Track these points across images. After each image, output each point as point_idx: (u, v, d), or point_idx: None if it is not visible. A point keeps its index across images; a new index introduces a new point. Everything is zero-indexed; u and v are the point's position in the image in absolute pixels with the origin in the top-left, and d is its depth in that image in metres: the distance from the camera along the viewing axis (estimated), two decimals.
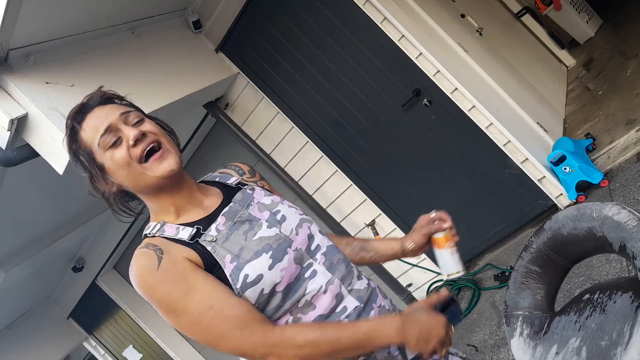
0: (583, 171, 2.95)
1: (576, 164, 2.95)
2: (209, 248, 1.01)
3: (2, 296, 4.42)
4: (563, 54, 5.24)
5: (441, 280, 3.61)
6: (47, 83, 2.42)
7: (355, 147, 3.60)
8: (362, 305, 1.07)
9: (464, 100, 3.15)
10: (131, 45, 3.08)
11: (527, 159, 3.10)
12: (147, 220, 1.12)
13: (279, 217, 1.09)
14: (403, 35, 3.16)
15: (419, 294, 3.70)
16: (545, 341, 1.32)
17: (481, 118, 3.14)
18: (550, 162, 3.07)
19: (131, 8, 3.03)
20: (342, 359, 1.01)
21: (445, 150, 3.35)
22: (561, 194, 3.09)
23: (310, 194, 3.79)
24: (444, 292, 1.12)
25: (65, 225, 4.11)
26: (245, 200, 1.11)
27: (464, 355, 1.23)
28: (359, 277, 1.12)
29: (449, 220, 1.25)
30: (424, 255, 3.65)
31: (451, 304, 1.09)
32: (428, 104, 3.26)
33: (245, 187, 1.16)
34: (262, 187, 1.21)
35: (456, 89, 3.14)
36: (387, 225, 3.68)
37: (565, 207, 3.08)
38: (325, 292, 1.04)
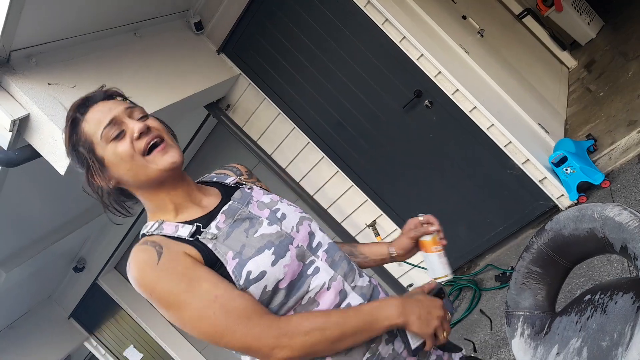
0: (584, 172, 2.95)
1: (577, 165, 2.95)
2: (209, 245, 0.99)
3: (4, 296, 4.42)
4: (564, 56, 5.24)
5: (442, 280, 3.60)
6: (49, 84, 2.43)
7: (356, 147, 3.60)
8: (366, 302, 1.06)
9: (465, 102, 3.15)
10: (133, 47, 3.08)
11: (528, 160, 3.10)
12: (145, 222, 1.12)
13: (279, 214, 1.09)
14: (404, 37, 3.16)
15: None
16: (546, 341, 1.32)
17: (482, 119, 3.14)
18: (552, 163, 3.07)
19: (133, 9, 3.04)
20: (348, 348, 0.99)
21: (447, 151, 3.36)
22: (562, 195, 3.09)
23: (312, 194, 3.79)
24: (433, 283, 1.14)
25: (67, 225, 4.11)
26: (245, 198, 1.11)
27: (472, 354, 1.23)
28: (360, 275, 1.12)
29: (436, 224, 1.25)
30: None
31: (441, 294, 1.10)
32: (429, 105, 3.26)
33: (244, 186, 1.16)
34: (260, 187, 1.21)
35: (457, 90, 3.14)
36: (388, 226, 3.68)
37: (566, 208, 3.08)
38: (328, 288, 1.03)
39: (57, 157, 2.36)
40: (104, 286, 6.04)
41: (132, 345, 6.57)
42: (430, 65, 3.17)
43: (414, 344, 1.02)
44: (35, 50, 2.46)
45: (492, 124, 3.12)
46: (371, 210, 3.69)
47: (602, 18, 5.54)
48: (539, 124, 3.52)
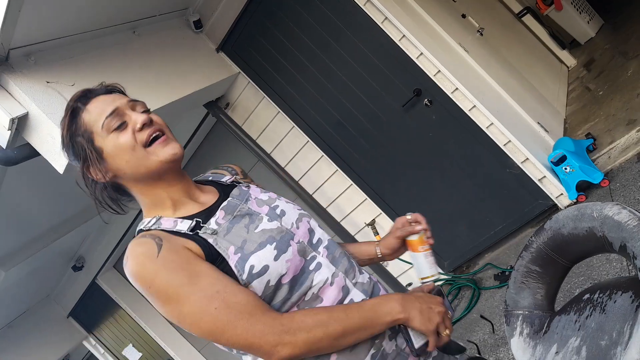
0: (583, 171, 2.95)
1: (577, 164, 2.95)
2: (210, 240, 0.97)
3: (2, 295, 4.42)
4: (564, 54, 5.24)
5: (442, 279, 3.61)
6: (47, 82, 2.43)
7: (355, 146, 3.60)
8: (368, 298, 1.06)
9: (464, 100, 3.15)
10: (132, 45, 3.08)
11: (527, 158, 3.10)
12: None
13: (278, 211, 1.08)
14: (404, 35, 3.16)
15: None
16: (545, 340, 1.32)
17: (482, 118, 3.14)
18: (551, 162, 3.07)
19: (132, 8, 3.04)
20: (352, 345, 0.98)
21: (446, 150, 3.36)
22: (561, 194, 3.09)
23: (311, 193, 3.79)
24: (431, 284, 1.13)
25: (65, 224, 4.11)
26: (243, 195, 1.10)
27: (476, 355, 1.23)
28: (360, 272, 1.12)
29: (423, 222, 1.23)
30: None
31: (440, 295, 1.09)
32: (429, 104, 3.26)
33: (241, 184, 1.16)
34: (257, 186, 1.21)
35: (457, 89, 3.14)
36: (387, 225, 3.68)
37: (565, 207, 3.08)
38: (331, 284, 1.02)
39: (56, 156, 2.36)
40: (103, 285, 6.04)
41: (131, 345, 6.57)
42: (429, 64, 3.17)
43: (417, 343, 1.01)
44: (34, 49, 2.46)
45: (492, 123, 3.12)
46: (370, 209, 3.69)
47: (602, 17, 5.54)
48: (538, 122, 3.52)
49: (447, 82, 3.16)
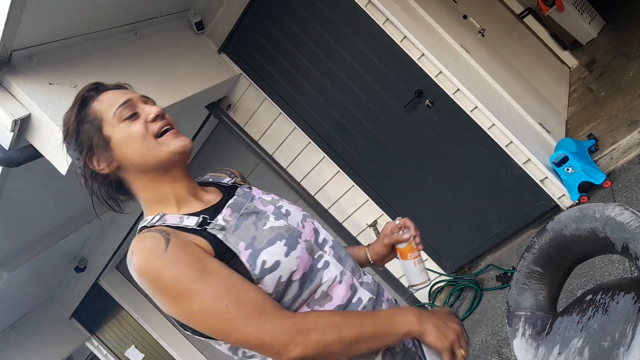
0: (585, 172, 2.95)
1: (578, 165, 2.95)
2: (219, 236, 0.95)
3: (5, 296, 4.43)
4: (565, 55, 5.24)
5: (444, 280, 3.60)
6: (50, 84, 2.43)
7: (357, 147, 3.60)
8: (375, 297, 1.05)
9: (466, 101, 3.15)
10: (134, 47, 3.08)
11: (529, 159, 3.10)
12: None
13: (283, 210, 1.08)
14: (405, 36, 3.16)
15: (422, 294, 3.70)
16: (547, 342, 1.32)
17: (483, 119, 3.14)
18: (553, 162, 3.07)
19: (134, 9, 3.04)
20: (362, 353, 0.96)
21: (447, 150, 3.35)
22: (563, 195, 3.09)
23: (312, 194, 3.79)
24: (447, 307, 1.11)
25: (68, 225, 4.12)
26: (248, 195, 1.09)
27: None
28: (364, 272, 1.12)
29: (412, 228, 1.21)
30: (425, 256, 3.65)
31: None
32: (430, 105, 3.26)
33: (242, 185, 1.15)
34: (258, 189, 1.21)
35: (458, 89, 3.14)
36: None
37: (567, 208, 3.08)
38: (340, 282, 1.01)
39: (59, 157, 2.36)
40: (106, 286, 6.05)
41: (133, 346, 6.58)
42: (431, 65, 3.17)
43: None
44: (37, 50, 2.46)
45: (493, 124, 3.12)
46: (372, 210, 3.69)
47: (604, 18, 5.54)
48: (540, 123, 3.52)
49: (448, 83, 3.16)
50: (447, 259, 3.61)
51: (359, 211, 3.74)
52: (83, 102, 1.04)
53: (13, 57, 2.35)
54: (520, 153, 3.11)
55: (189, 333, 0.98)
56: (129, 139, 1.00)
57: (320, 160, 3.73)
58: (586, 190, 3.03)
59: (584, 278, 2.46)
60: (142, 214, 1.07)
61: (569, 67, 5.22)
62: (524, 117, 3.49)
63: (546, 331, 1.35)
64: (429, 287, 3.64)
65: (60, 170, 2.39)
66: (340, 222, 3.77)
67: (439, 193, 3.48)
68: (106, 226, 5.16)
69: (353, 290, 1.03)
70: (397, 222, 1.23)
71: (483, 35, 4.25)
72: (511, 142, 3.11)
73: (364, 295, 1.04)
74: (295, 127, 3.71)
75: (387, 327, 0.95)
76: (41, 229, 3.86)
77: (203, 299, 0.88)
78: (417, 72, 3.22)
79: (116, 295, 6.08)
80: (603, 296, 1.24)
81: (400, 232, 1.21)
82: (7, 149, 2.38)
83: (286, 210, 1.09)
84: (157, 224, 0.98)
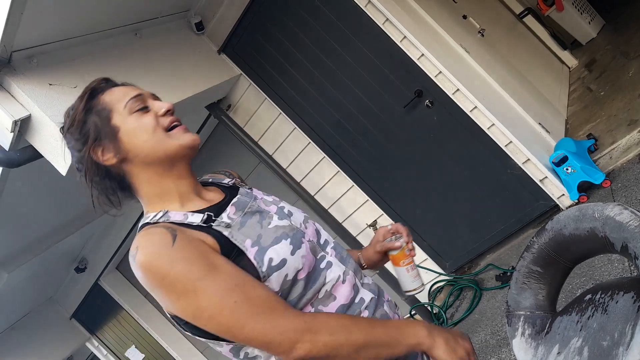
0: (585, 172, 2.95)
1: (578, 165, 2.95)
2: (225, 233, 0.94)
3: (5, 297, 4.43)
4: (565, 55, 5.24)
5: (443, 280, 3.61)
6: (50, 85, 2.43)
7: (356, 147, 3.60)
8: (376, 297, 1.05)
9: (465, 101, 3.15)
10: (134, 47, 3.09)
11: (528, 159, 3.10)
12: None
13: (286, 211, 1.08)
14: (405, 36, 3.17)
15: (421, 294, 3.70)
16: (546, 341, 1.32)
17: (483, 119, 3.14)
18: (552, 162, 3.07)
19: (134, 10, 3.05)
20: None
21: (447, 150, 3.36)
22: (563, 195, 3.09)
23: (312, 194, 3.80)
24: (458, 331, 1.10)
25: (68, 226, 4.12)
26: (250, 195, 1.09)
27: None
28: (364, 274, 1.12)
29: (405, 234, 1.20)
30: (425, 256, 3.65)
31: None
32: (430, 105, 3.26)
33: (243, 186, 1.15)
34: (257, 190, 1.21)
35: (458, 89, 3.14)
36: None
37: (567, 208, 3.08)
38: (344, 282, 1.01)
39: (59, 158, 2.36)
40: (106, 287, 6.05)
41: (133, 346, 6.58)
42: (430, 65, 3.17)
43: None
44: (37, 51, 2.47)
45: (493, 124, 3.13)
46: (372, 210, 3.69)
47: (603, 17, 5.54)
48: (539, 123, 3.52)
49: (448, 83, 3.16)
50: (446, 259, 3.62)
51: (359, 211, 3.75)
52: (92, 93, 1.04)
53: (13, 58, 2.35)
54: (519, 153, 3.11)
55: (189, 333, 0.97)
56: (140, 130, 1.00)
57: (320, 161, 3.74)
58: (585, 189, 3.03)
59: (583, 277, 2.46)
60: (142, 214, 1.05)
61: (569, 67, 5.22)
62: (523, 117, 3.49)
63: (545, 331, 1.35)
64: (428, 287, 3.64)
65: (60, 171, 2.39)
66: (340, 222, 3.77)
67: (439, 193, 3.49)
68: (106, 227, 5.16)
69: (356, 290, 1.03)
70: (389, 227, 1.22)
71: (483, 36, 4.25)
72: (511, 142, 3.11)
73: (366, 295, 1.04)
74: (295, 128, 3.71)
75: (397, 336, 0.93)
76: (41, 230, 3.86)
77: (211, 295, 0.86)
78: (416, 72, 3.22)
79: (116, 295, 6.08)
80: (602, 296, 1.24)
81: (393, 239, 1.20)
82: (7, 149, 2.38)
83: (288, 210, 1.09)
84: (160, 221, 0.96)
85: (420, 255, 3.65)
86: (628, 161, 3.01)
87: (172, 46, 3.39)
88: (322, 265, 1.01)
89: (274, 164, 3.80)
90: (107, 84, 1.07)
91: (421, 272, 3.69)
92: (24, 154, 2.42)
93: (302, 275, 0.95)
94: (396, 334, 0.94)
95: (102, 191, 1.04)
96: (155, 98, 1.08)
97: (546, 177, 3.10)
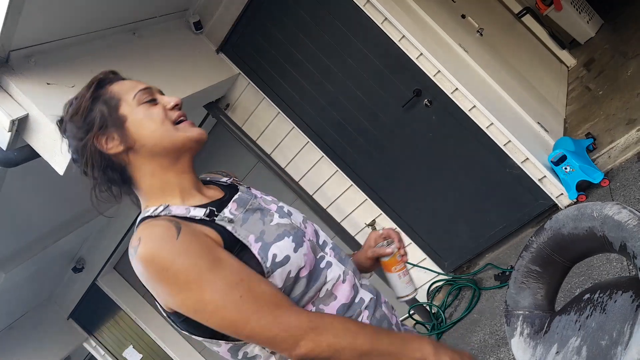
0: (584, 171, 2.95)
1: (577, 164, 2.95)
2: (228, 228, 0.93)
3: (3, 297, 4.42)
4: (564, 54, 5.25)
5: (442, 280, 3.61)
6: (48, 84, 2.42)
7: (355, 147, 3.60)
8: (375, 297, 1.05)
9: (464, 101, 3.15)
10: (132, 47, 3.08)
11: (527, 158, 3.10)
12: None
13: (285, 210, 1.08)
14: (403, 36, 3.16)
15: (420, 294, 3.70)
16: (545, 341, 1.32)
17: (482, 118, 3.14)
18: (551, 161, 3.07)
19: (132, 9, 3.04)
20: None
21: (446, 150, 3.36)
22: (562, 194, 3.09)
23: (311, 194, 3.79)
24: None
25: (66, 226, 4.11)
26: (250, 193, 1.08)
27: None
28: (362, 275, 1.12)
29: (396, 240, 1.19)
30: (424, 255, 3.65)
31: None
32: (428, 104, 3.26)
33: (241, 185, 1.15)
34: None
35: (457, 89, 3.14)
36: (387, 225, 3.68)
37: (565, 207, 3.08)
38: (344, 281, 1.00)
39: (56, 157, 2.36)
40: (104, 287, 6.03)
41: (131, 346, 6.56)
42: (429, 64, 3.17)
43: None
44: (35, 50, 2.46)
45: (492, 123, 3.13)
46: (370, 210, 3.69)
47: (602, 17, 5.54)
48: (538, 122, 3.52)
49: (447, 83, 3.16)
50: (445, 258, 3.61)
51: (358, 210, 3.74)
52: (100, 83, 1.04)
53: (11, 57, 2.35)
54: (518, 152, 3.11)
55: (186, 332, 0.96)
56: (148, 120, 1.00)
57: (319, 160, 3.73)
58: (584, 189, 3.03)
59: (582, 277, 2.46)
60: (139, 214, 1.03)
61: (567, 66, 5.23)
62: (522, 116, 3.49)
63: (544, 330, 1.35)
64: (427, 287, 3.64)
65: (57, 171, 2.38)
66: (339, 221, 3.77)
67: (437, 192, 3.49)
68: (104, 227, 5.15)
69: (355, 290, 1.02)
70: (381, 232, 1.20)
71: (481, 35, 4.25)
72: (509, 141, 3.11)
73: (366, 295, 1.03)
74: (293, 127, 3.71)
75: (402, 348, 0.92)
76: (39, 230, 3.85)
77: (216, 288, 0.85)
78: (415, 71, 3.22)
79: (114, 295, 6.06)
80: (601, 295, 1.24)
81: (384, 244, 1.18)
82: (4, 149, 2.37)
83: (288, 210, 1.09)
84: (162, 214, 0.95)
85: (418, 255, 3.65)
86: (626, 160, 3.01)
87: (171, 45, 3.39)
88: (322, 264, 1.01)
89: (272, 163, 3.80)
90: (115, 76, 1.08)
91: (420, 272, 3.72)
92: (22, 153, 2.41)
93: (304, 273, 0.95)
94: (401, 346, 0.92)
95: (100, 182, 1.03)
96: (162, 94, 1.09)
97: (545, 176, 3.10)
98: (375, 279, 1.22)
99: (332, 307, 0.98)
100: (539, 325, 1.38)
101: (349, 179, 3.68)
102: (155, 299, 0.95)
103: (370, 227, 3.70)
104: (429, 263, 3.64)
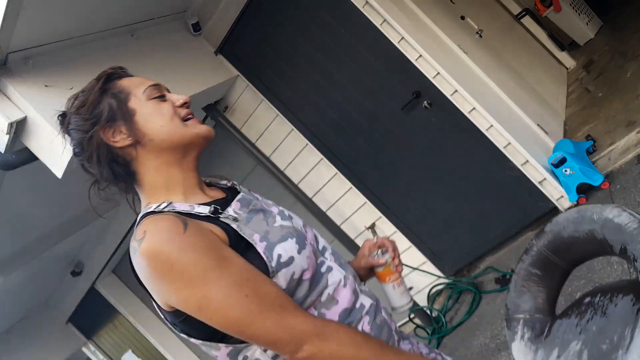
0: (584, 173, 2.94)
1: (577, 166, 2.94)
2: (233, 226, 0.92)
3: (1, 301, 4.41)
4: (563, 56, 5.24)
5: (442, 283, 3.59)
6: (46, 86, 2.42)
7: (355, 149, 3.59)
8: (375, 303, 1.04)
9: (464, 103, 3.14)
10: (130, 48, 3.08)
11: (527, 161, 3.09)
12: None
13: (286, 214, 1.07)
14: (403, 38, 3.16)
15: (420, 297, 3.68)
16: (546, 345, 1.31)
17: (481, 120, 3.14)
18: (551, 164, 3.06)
19: (130, 11, 3.04)
20: None
21: (446, 152, 3.35)
22: (562, 196, 3.08)
23: (310, 196, 3.78)
24: None
25: (64, 229, 4.10)
26: (252, 194, 1.08)
27: None
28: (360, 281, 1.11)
29: (391, 249, 1.17)
30: (424, 258, 3.64)
31: None
32: (428, 106, 3.25)
33: (242, 188, 1.14)
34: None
35: (456, 91, 3.13)
36: (387, 228, 3.67)
37: (566, 210, 3.07)
38: (345, 285, 0.99)
39: (55, 160, 2.35)
40: (102, 290, 6.02)
41: (130, 351, 6.54)
42: (429, 66, 3.16)
43: None
44: (32, 52, 2.45)
45: (491, 125, 3.12)
46: (370, 212, 3.68)
47: (601, 18, 5.54)
48: (538, 124, 3.52)
49: (446, 84, 3.15)
50: (445, 261, 3.60)
51: (357, 213, 3.73)
52: (109, 77, 1.04)
53: (9, 59, 2.34)
54: (518, 154, 3.11)
55: (184, 334, 0.94)
56: (158, 115, 1.00)
57: (318, 162, 3.72)
58: (584, 191, 3.02)
59: (582, 280, 2.45)
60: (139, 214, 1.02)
61: (567, 68, 5.22)
62: (522, 118, 3.49)
63: (545, 334, 1.34)
64: (427, 291, 3.63)
65: (56, 174, 2.37)
66: (339, 224, 3.76)
67: (438, 194, 3.48)
68: (103, 230, 5.13)
69: (356, 295, 1.01)
70: (375, 240, 1.18)
71: (481, 36, 4.25)
72: (509, 143, 3.10)
73: (366, 301, 1.02)
74: (292, 129, 3.70)
75: None
76: (37, 233, 3.84)
77: (222, 287, 0.83)
78: (414, 73, 3.21)
79: (113, 299, 6.05)
80: (601, 299, 1.23)
81: (379, 253, 1.16)
82: (2, 152, 2.36)
83: (288, 214, 1.08)
84: (166, 210, 0.93)
85: (419, 258, 3.64)
86: (627, 162, 3.00)
87: (169, 47, 3.38)
88: (323, 269, 1.00)
89: (271, 165, 3.78)
90: (123, 71, 1.08)
91: (420, 275, 3.70)
92: (20, 156, 2.40)
93: (307, 275, 0.94)
94: None
95: (102, 178, 1.02)
96: (169, 92, 1.09)
97: (545, 178, 3.09)
98: (372, 283, 1.20)
99: (333, 312, 0.97)
100: (540, 329, 1.37)
101: (348, 182, 3.67)
102: (154, 298, 0.93)
103: (370, 229, 3.68)
104: (429, 266, 3.63)
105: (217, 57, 3.72)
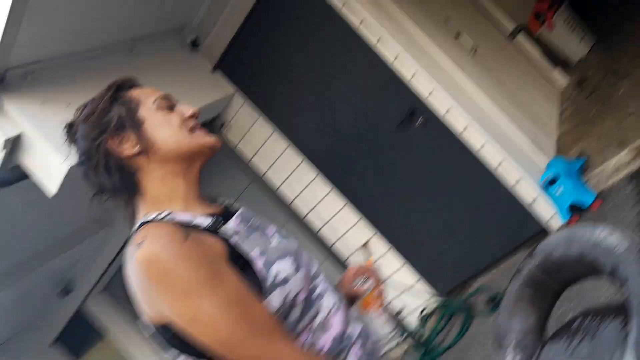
0: (575, 192, 2.96)
1: (569, 185, 2.96)
2: (232, 240, 0.91)
3: None
4: (556, 74, 5.28)
5: (434, 303, 3.57)
6: (42, 103, 2.42)
7: (349, 166, 3.60)
8: (365, 327, 1.03)
9: (457, 121, 3.17)
10: (129, 65, 3.08)
11: (520, 179, 3.11)
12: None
13: (284, 232, 1.08)
14: (397, 56, 3.19)
15: (412, 318, 3.64)
16: None
17: (475, 139, 3.16)
18: (543, 183, 3.08)
19: (129, 27, 3.06)
20: None
21: (439, 170, 3.36)
22: (554, 215, 3.09)
23: (305, 213, 3.77)
24: None
25: (55, 248, 4.04)
26: (251, 212, 1.08)
27: None
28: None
29: (373, 277, 1.17)
30: (418, 276, 3.62)
31: None
32: (422, 124, 3.27)
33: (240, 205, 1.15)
34: None
35: (450, 109, 3.16)
36: (381, 246, 3.66)
37: (557, 229, 3.08)
38: (338, 309, 0.99)
39: (49, 178, 2.34)
40: (92, 310, 5.91)
41: None
42: (423, 85, 3.19)
43: None
44: (30, 69, 2.46)
45: (485, 144, 3.14)
46: (365, 230, 3.67)
47: (594, 36, 5.60)
48: (530, 143, 3.53)
49: (440, 103, 3.18)
50: (438, 279, 3.59)
51: (352, 230, 3.72)
52: (121, 86, 1.06)
53: (7, 76, 2.34)
54: (511, 173, 3.12)
55: (172, 351, 0.91)
56: (166, 125, 1.02)
57: (313, 179, 3.72)
58: (576, 210, 3.03)
59: (573, 301, 2.45)
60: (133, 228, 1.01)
61: (560, 86, 5.26)
62: (515, 137, 3.50)
63: (535, 357, 1.34)
64: (419, 311, 3.59)
65: (50, 191, 2.36)
66: (333, 241, 3.74)
67: (431, 213, 3.48)
68: (94, 249, 5.07)
69: (347, 319, 1.01)
70: (357, 267, 1.16)
71: (475, 53, 4.28)
72: (502, 162, 3.12)
73: (357, 325, 1.02)
74: (288, 145, 3.70)
75: None
76: (27, 251, 3.78)
77: (214, 303, 0.81)
78: (409, 91, 3.24)
79: (103, 319, 5.94)
80: (591, 321, 1.24)
81: (360, 281, 1.14)
82: None
83: (286, 233, 1.09)
84: (166, 219, 0.92)
85: (411, 276, 3.62)
86: (619, 181, 3.02)
87: (167, 63, 3.40)
88: (316, 293, 0.99)
89: (265, 184, 3.77)
90: (136, 83, 1.10)
91: (412, 296, 3.63)
92: (15, 173, 2.39)
93: (301, 297, 0.92)
94: None
95: (105, 188, 1.02)
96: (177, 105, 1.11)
97: (537, 197, 3.10)
98: None
99: (327, 337, 0.95)
100: (531, 352, 1.37)
101: (343, 199, 3.67)
102: (143, 312, 0.91)
103: (364, 247, 3.68)
104: (422, 284, 3.62)
105: (214, 74, 3.73)
